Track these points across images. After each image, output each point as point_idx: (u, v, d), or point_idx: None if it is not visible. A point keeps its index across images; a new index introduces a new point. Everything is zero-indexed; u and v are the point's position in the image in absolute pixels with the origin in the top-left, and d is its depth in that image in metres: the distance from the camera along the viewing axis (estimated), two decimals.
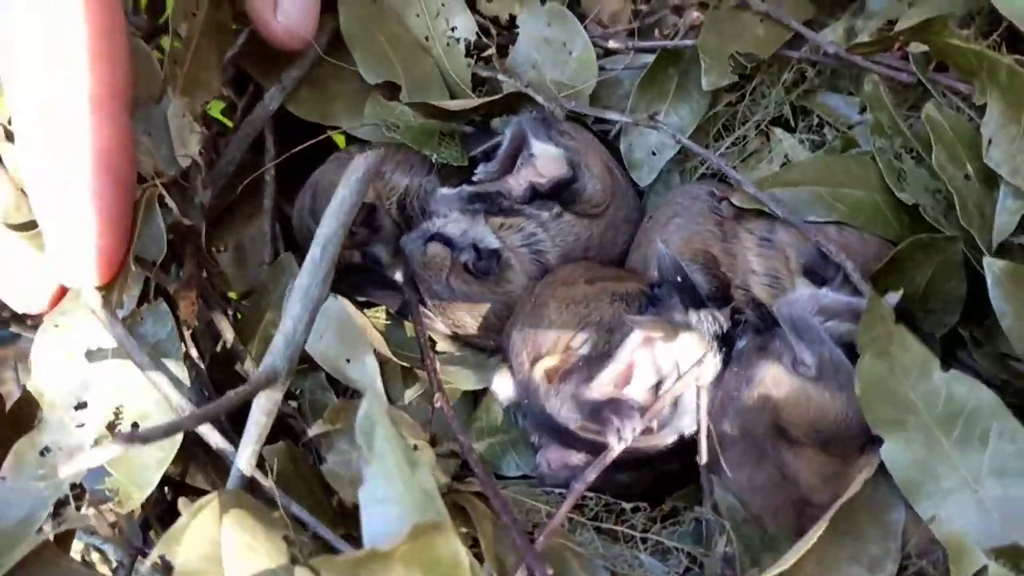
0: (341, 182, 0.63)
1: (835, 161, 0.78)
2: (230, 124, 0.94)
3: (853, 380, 0.65)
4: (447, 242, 0.82)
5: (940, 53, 0.77)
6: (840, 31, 0.83)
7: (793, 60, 0.82)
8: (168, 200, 0.69)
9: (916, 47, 0.79)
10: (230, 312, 0.84)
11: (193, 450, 0.71)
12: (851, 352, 0.67)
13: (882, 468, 0.63)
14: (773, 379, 0.71)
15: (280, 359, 0.62)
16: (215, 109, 0.97)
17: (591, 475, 0.67)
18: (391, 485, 0.48)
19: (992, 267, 0.65)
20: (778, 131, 0.83)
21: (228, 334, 0.78)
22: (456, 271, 0.81)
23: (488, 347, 0.85)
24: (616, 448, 0.68)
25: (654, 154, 0.85)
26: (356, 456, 0.68)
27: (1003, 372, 0.74)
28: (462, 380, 0.82)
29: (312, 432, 0.69)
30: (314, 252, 0.64)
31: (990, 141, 0.72)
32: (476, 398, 0.84)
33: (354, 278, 0.86)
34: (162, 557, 0.52)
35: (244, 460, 0.62)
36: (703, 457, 0.71)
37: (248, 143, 0.88)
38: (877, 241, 0.75)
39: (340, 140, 0.97)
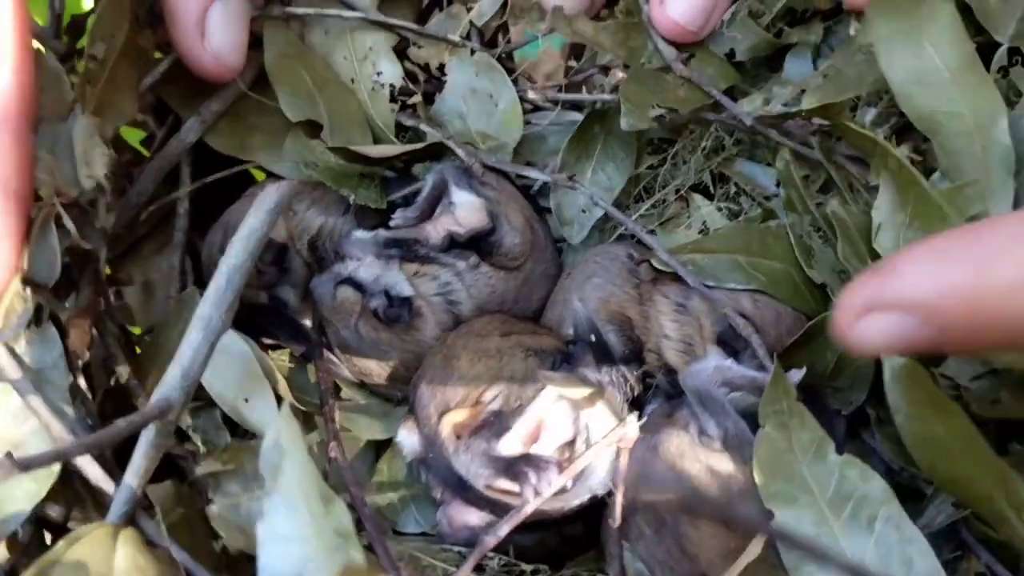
0: (251, 211, 0.61)
1: (753, 232, 0.79)
2: (148, 154, 0.91)
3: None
4: (358, 287, 0.80)
5: (840, 130, 0.78)
6: (759, 100, 0.84)
7: (713, 125, 0.83)
8: (66, 221, 0.66)
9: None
10: (132, 348, 0.80)
11: (78, 491, 0.67)
12: (754, 425, 0.67)
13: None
14: (678, 449, 0.70)
15: (175, 391, 0.59)
16: (133, 137, 0.94)
17: (503, 530, 0.65)
18: (295, 521, 0.46)
19: (890, 362, 0.65)
20: (697, 197, 0.84)
21: (123, 368, 0.74)
22: (365, 317, 0.79)
23: (395, 397, 0.82)
24: (532, 502, 0.66)
25: (584, 212, 0.85)
26: (246, 500, 0.64)
27: (900, 457, 0.74)
28: (365, 430, 0.79)
29: (200, 470, 0.65)
30: (218, 281, 0.61)
31: (879, 226, 0.72)
32: (379, 450, 0.81)
33: (260, 319, 0.83)
34: None
35: (126, 493, 0.59)
36: (616, 520, 0.69)
37: (163, 174, 0.85)
38: (792, 315, 0.75)
39: (260, 176, 0.94)
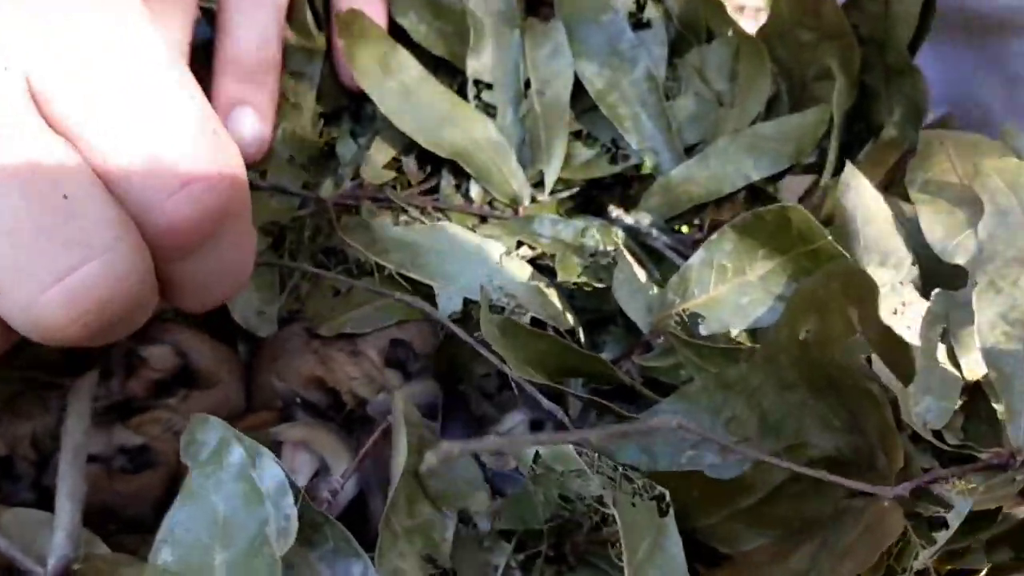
0: (71, 402, 0.80)
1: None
2: None
3: None
4: (92, 459, 0.91)
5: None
6: (330, 185, 1.09)
7: (306, 217, 1.06)
8: None
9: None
10: None
11: None
12: None
13: None
14: None
15: None
16: None
17: None
18: None
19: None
20: (321, 271, 1.06)
21: None
22: (116, 480, 0.90)
23: None
24: None
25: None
26: None
27: None
28: None
29: None
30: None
31: None
32: None
33: None
34: None
35: None
36: None
37: None
38: (427, 326, 1.00)
39: None
